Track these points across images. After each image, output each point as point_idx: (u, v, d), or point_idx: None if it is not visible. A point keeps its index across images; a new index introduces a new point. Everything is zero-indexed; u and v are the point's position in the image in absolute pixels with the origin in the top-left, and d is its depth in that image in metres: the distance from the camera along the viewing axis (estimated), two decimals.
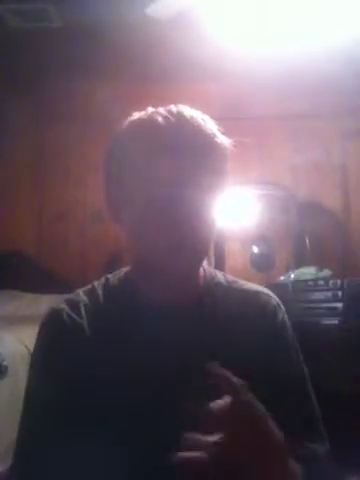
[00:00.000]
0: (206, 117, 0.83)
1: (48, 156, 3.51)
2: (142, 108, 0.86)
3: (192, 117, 0.81)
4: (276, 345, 0.89)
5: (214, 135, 0.81)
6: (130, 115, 0.86)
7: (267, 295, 0.94)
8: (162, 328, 0.83)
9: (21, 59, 3.08)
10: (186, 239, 0.79)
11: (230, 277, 0.96)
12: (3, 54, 2.99)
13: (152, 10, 2.17)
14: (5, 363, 2.07)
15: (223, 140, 0.82)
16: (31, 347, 0.93)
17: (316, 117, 3.32)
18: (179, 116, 0.80)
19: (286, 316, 0.93)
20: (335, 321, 2.60)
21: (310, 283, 2.82)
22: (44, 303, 2.83)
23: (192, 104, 0.85)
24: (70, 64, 3.11)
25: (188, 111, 0.82)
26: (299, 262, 3.18)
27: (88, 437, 0.80)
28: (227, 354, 0.84)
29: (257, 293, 0.93)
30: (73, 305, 0.88)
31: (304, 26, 2.48)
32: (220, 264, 3.04)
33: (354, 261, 3.16)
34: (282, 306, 0.94)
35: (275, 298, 0.94)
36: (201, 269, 0.92)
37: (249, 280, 0.98)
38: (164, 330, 0.83)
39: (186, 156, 0.78)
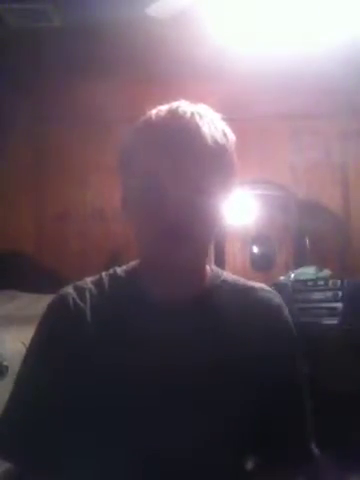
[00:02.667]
0: (208, 115, 0.83)
1: (48, 156, 3.50)
2: (142, 108, 0.86)
3: (189, 116, 0.81)
4: (278, 343, 0.89)
5: (207, 136, 0.80)
6: (142, 114, 0.87)
7: (271, 293, 0.94)
8: (163, 323, 0.84)
9: (21, 59, 3.08)
10: (178, 236, 0.80)
11: (235, 276, 0.96)
12: (3, 54, 2.99)
13: (152, 10, 2.17)
14: (5, 363, 2.07)
15: (219, 140, 0.82)
16: None
17: (316, 117, 3.32)
18: (175, 116, 0.81)
19: (289, 315, 0.94)
20: (335, 321, 2.60)
21: (310, 283, 2.82)
22: (44, 303, 2.81)
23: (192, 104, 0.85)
24: (70, 64, 3.10)
25: (187, 109, 0.82)
26: (299, 262, 3.18)
27: (78, 427, 0.80)
28: (229, 351, 0.85)
29: (261, 291, 0.94)
30: (79, 291, 0.90)
31: (304, 26, 2.48)
32: (220, 264, 3.04)
33: (354, 261, 3.16)
34: (285, 305, 0.94)
35: (279, 297, 0.95)
36: (207, 268, 0.93)
37: (249, 280, 0.98)
38: (165, 325, 0.84)
39: (179, 156, 0.79)
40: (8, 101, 3.36)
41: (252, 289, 0.93)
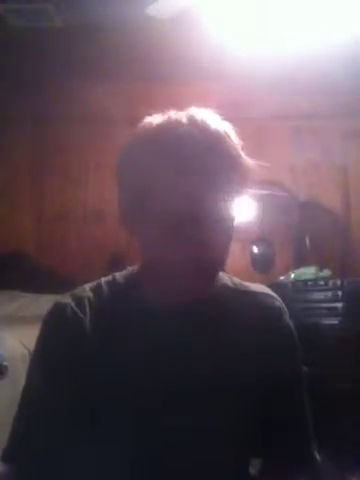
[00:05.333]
0: (228, 129, 0.82)
1: (48, 156, 3.50)
2: (141, 108, 0.85)
3: (219, 133, 0.79)
4: (279, 348, 0.89)
5: (239, 155, 0.80)
6: (146, 118, 0.83)
7: (272, 297, 0.94)
8: (165, 328, 0.83)
9: (21, 59, 3.08)
10: (208, 260, 0.79)
11: (236, 279, 0.96)
12: (3, 54, 2.99)
13: (152, 10, 2.17)
14: (5, 363, 2.06)
15: (247, 160, 0.82)
16: (31, 348, 0.93)
17: (316, 117, 3.32)
18: (206, 131, 0.78)
19: (289, 317, 0.93)
20: (335, 321, 2.60)
21: (310, 283, 2.82)
22: (44, 303, 2.82)
23: (191, 104, 0.84)
24: (70, 64, 3.10)
25: (213, 124, 0.79)
26: (299, 262, 3.18)
27: (83, 435, 0.80)
28: (229, 354, 0.85)
29: (262, 295, 0.93)
30: (78, 300, 0.88)
31: (304, 26, 2.48)
32: None
33: (354, 261, 3.16)
34: (286, 309, 0.93)
35: (280, 300, 0.94)
36: None
37: (249, 280, 0.98)
38: (167, 331, 0.83)
39: (212, 176, 0.77)
40: (8, 101, 3.36)
41: (252, 293, 0.93)
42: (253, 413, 0.84)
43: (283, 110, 3.30)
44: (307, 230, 3.28)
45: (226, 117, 0.86)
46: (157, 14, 2.20)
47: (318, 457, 0.89)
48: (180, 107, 0.84)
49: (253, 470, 0.91)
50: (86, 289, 0.91)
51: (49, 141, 3.48)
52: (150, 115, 0.84)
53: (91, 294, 0.89)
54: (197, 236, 0.78)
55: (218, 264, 0.82)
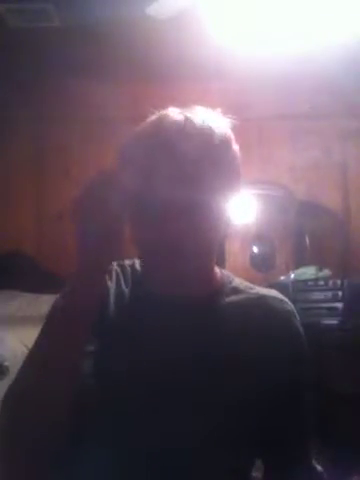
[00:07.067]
0: (202, 123, 0.81)
1: (48, 156, 3.50)
2: (141, 107, 0.85)
3: (199, 126, 0.79)
4: (286, 351, 0.88)
5: (214, 146, 0.79)
6: (142, 114, 0.86)
7: (283, 301, 0.94)
8: (165, 322, 0.84)
9: (21, 59, 3.08)
10: (176, 243, 0.80)
11: (248, 283, 0.96)
12: (3, 54, 2.99)
13: (152, 9, 2.17)
14: (6, 363, 2.07)
15: (214, 150, 0.80)
16: None
17: (316, 117, 3.32)
18: (185, 124, 0.79)
19: (299, 322, 0.92)
20: (335, 321, 2.61)
21: (310, 283, 2.83)
22: (44, 303, 2.83)
23: (192, 104, 0.84)
24: (70, 64, 3.10)
25: (199, 117, 0.80)
26: (299, 262, 3.18)
27: (76, 423, 0.80)
28: (231, 354, 0.85)
29: (272, 299, 0.93)
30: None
31: (304, 26, 2.48)
32: (220, 264, 3.02)
33: (354, 261, 3.16)
34: (296, 313, 0.93)
35: (290, 305, 0.94)
36: (217, 272, 0.93)
37: (249, 280, 0.98)
38: (167, 325, 0.83)
39: (182, 164, 0.78)
40: (8, 101, 3.36)
41: (262, 297, 0.92)
42: (252, 414, 0.84)
43: (283, 110, 3.30)
44: (307, 230, 3.29)
45: (226, 117, 0.86)
46: (156, 14, 2.20)
47: (317, 465, 0.89)
48: (179, 108, 0.85)
49: (256, 473, 0.90)
50: (125, 263, 0.95)
51: (49, 141, 3.48)
52: (150, 114, 0.85)
53: (119, 269, 0.94)
54: (163, 224, 0.79)
55: (187, 247, 0.81)
